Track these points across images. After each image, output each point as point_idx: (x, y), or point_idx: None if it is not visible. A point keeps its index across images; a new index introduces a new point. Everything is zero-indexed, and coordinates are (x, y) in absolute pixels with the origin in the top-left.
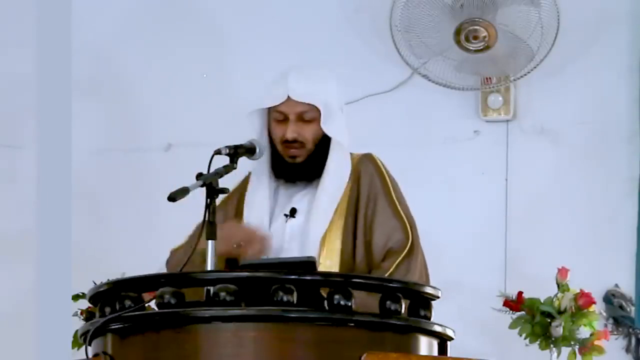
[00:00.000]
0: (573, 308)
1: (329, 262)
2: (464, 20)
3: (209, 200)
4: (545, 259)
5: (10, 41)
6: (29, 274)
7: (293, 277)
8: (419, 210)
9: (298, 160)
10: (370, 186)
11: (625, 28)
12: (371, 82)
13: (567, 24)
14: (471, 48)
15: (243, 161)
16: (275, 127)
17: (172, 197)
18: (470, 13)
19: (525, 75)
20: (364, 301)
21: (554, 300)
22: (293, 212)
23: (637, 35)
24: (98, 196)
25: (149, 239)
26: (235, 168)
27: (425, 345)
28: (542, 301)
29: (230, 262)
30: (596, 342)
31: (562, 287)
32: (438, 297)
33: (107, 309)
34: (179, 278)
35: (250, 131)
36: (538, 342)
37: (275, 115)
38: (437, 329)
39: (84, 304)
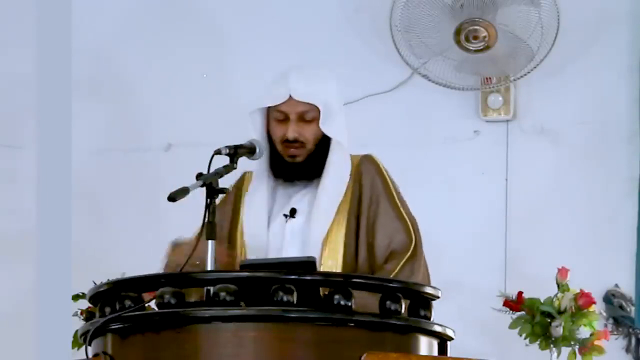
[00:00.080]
0: (573, 308)
1: (331, 262)
2: (464, 20)
3: (209, 200)
4: (545, 259)
5: (10, 41)
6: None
7: (293, 277)
8: (419, 210)
9: (298, 160)
10: (372, 187)
11: (625, 28)
12: (371, 82)
13: (567, 24)
14: (471, 48)
15: (243, 161)
16: (275, 127)
17: (172, 197)
18: (470, 13)
19: (525, 75)
20: (364, 301)
21: (554, 300)
22: (293, 213)
23: (637, 35)
24: (98, 196)
25: (149, 239)
26: (235, 168)
27: (425, 345)
28: (542, 301)
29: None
30: (596, 342)
31: (562, 287)
32: (438, 297)
33: (107, 309)
34: (179, 278)
35: (251, 131)
36: (538, 342)
37: (276, 115)
38: (437, 329)
39: (84, 304)
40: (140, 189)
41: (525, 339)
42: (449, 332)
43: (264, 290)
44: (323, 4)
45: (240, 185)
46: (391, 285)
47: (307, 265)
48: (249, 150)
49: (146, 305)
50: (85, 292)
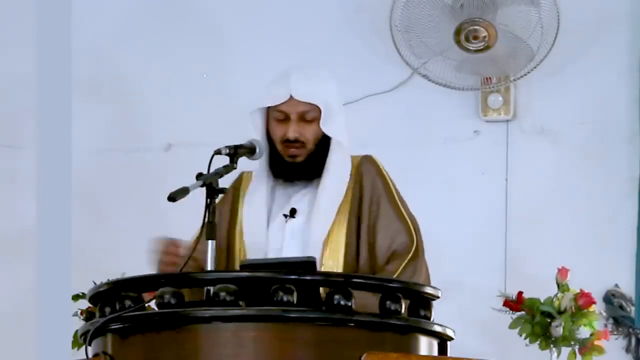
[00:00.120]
0: (573, 308)
1: (332, 263)
2: (464, 20)
3: (209, 200)
4: (545, 259)
5: (10, 41)
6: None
7: (293, 277)
8: (419, 210)
9: (298, 160)
10: (373, 188)
11: (625, 28)
12: (371, 82)
13: (567, 24)
14: (471, 48)
15: (242, 161)
16: (275, 127)
17: (172, 197)
18: (470, 13)
19: (525, 75)
20: (364, 301)
21: (554, 300)
22: (293, 213)
23: (637, 35)
24: (98, 196)
25: (149, 239)
26: (235, 168)
27: (425, 345)
28: (542, 301)
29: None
30: (596, 342)
31: (562, 287)
32: (438, 297)
33: (107, 309)
34: (179, 278)
35: (251, 131)
36: (538, 342)
37: (276, 115)
38: (437, 329)
39: (84, 304)
40: (140, 189)
41: (525, 339)
42: (449, 332)
43: (264, 290)
44: (323, 4)
45: (238, 186)
46: (391, 285)
47: (307, 265)
48: (249, 150)
49: (146, 305)
50: (85, 292)
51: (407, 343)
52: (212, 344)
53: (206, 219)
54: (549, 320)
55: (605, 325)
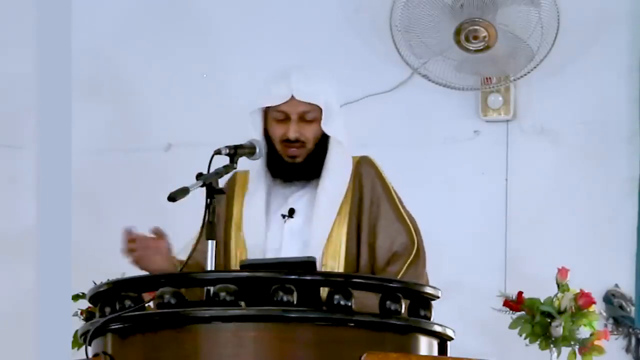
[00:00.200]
0: (573, 308)
1: (332, 263)
2: (464, 20)
3: (209, 200)
4: (545, 259)
5: (10, 41)
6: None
7: (293, 277)
8: (419, 210)
9: (297, 160)
10: (373, 189)
11: (625, 28)
12: (371, 82)
13: (567, 24)
14: (471, 48)
15: (243, 161)
16: (274, 127)
17: (172, 197)
18: (470, 13)
19: (525, 75)
20: (364, 301)
21: (554, 300)
22: (291, 213)
23: (637, 35)
24: (98, 196)
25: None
26: (235, 168)
27: (425, 345)
28: (542, 301)
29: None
30: (596, 342)
31: (562, 287)
32: (438, 297)
33: (107, 309)
34: (179, 278)
35: (251, 130)
36: (538, 342)
37: (276, 115)
38: (437, 329)
39: (84, 304)
40: (140, 189)
41: (525, 339)
42: (449, 332)
43: (264, 290)
44: (323, 4)
45: (232, 185)
46: (391, 285)
47: (307, 265)
48: (249, 150)
49: (146, 305)
50: (85, 292)
51: (407, 343)
52: (212, 344)
53: (206, 219)
54: (549, 320)
55: (605, 325)
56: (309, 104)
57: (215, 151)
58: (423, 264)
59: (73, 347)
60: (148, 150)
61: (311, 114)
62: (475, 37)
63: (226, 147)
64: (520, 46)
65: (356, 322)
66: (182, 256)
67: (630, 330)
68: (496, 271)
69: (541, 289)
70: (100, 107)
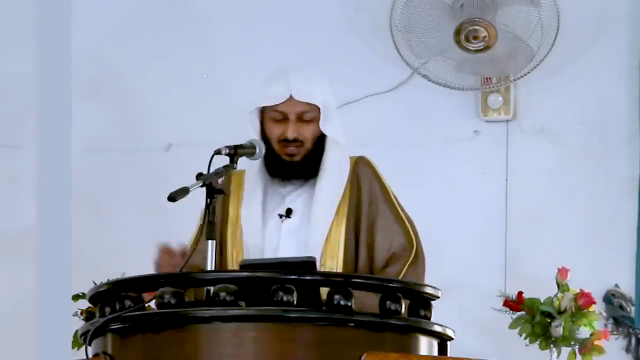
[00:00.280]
0: (573, 308)
1: (330, 263)
2: (464, 20)
3: (209, 200)
4: (545, 259)
5: (10, 41)
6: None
7: (293, 277)
8: (419, 210)
9: (296, 159)
10: (371, 190)
11: (625, 28)
12: (371, 82)
13: (567, 24)
14: (471, 48)
15: (242, 161)
16: (272, 127)
17: (172, 197)
18: (470, 13)
19: (525, 75)
20: (364, 301)
21: (554, 300)
22: (289, 213)
23: (637, 35)
24: (98, 196)
25: (149, 239)
26: (235, 168)
27: (425, 345)
28: (542, 301)
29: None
30: (596, 342)
31: (562, 287)
32: (438, 297)
33: (107, 309)
34: (179, 278)
35: (250, 130)
36: (538, 342)
37: (274, 115)
38: (437, 329)
39: (84, 304)
40: (140, 189)
41: (525, 339)
42: (449, 332)
43: (264, 290)
44: (323, 4)
45: (228, 185)
46: (391, 285)
47: (307, 265)
48: (249, 150)
49: (146, 305)
50: (85, 292)
51: (407, 343)
52: (212, 344)
53: (206, 219)
54: (549, 320)
55: (605, 325)
56: (308, 104)
57: (215, 151)
58: (422, 266)
59: (73, 347)
60: (148, 150)
61: (309, 114)
62: (475, 37)
63: (226, 147)
64: (520, 46)
65: (356, 322)
66: None
67: (630, 330)
68: (496, 271)
69: (541, 289)
70: (100, 107)
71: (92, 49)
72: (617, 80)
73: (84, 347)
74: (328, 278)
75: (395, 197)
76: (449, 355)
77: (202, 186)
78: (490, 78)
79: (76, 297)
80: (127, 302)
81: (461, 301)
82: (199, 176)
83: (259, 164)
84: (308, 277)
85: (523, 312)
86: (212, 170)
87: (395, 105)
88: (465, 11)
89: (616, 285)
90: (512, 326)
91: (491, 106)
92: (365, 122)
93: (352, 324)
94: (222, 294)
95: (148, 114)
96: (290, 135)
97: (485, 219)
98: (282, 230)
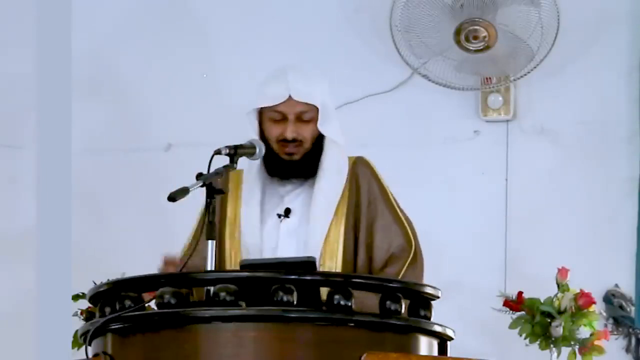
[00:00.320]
0: (573, 308)
1: (329, 263)
2: (464, 20)
3: (209, 200)
4: (545, 259)
5: (10, 41)
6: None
7: (293, 277)
8: (419, 210)
9: (295, 158)
10: (370, 190)
11: (625, 28)
12: (371, 82)
13: (567, 24)
14: (471, 48)
15: (242, 161)
16: (271, 127)
17: (172, 197)
18: (470, 13)
19: (525, 75)
20: (364, 301)
21: (554, 300)
22: (287, 212)
23: (637, 35)
24: (98, 196)
25: (149, 239)
26: (235, 168)
27: (425, 345)
28: (542, 301)
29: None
30: (596, 342)
31: (562, 287)
32: (438, 297)
33: (107, 309)
34: (179, 278)
35: (250, 130)
36: (538, 342)
37: (272, 115)
38: (437, 329)
39: (84, 304)
40: (140, 189)
41: (525, 339)
42: (449, 332)
43: (264, 290)
44: (323, 4)
45: (225, 185)
46: (391, 285)
47: (307, 265)
48: (249, 150)
49: (146, 305)
50: (85, 292)
51: (407, 343)
52: (212, 344)
53: (206, 219)
54: (549, 320)
55: (605, 325)
56: (306, 104)
57: (215, 151)
58: (421, 267)
59: (73, 347)
60: (148, 150)
61: (308, 114)
62: (475, 37)
63: (226, 147)
64: (520, 46)
65: (356, 322)
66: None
67: (630, 330)
68: (496, 271)
69: (541, 289)
70: (100, 107)
71: (92, 49)
72: (617, 80)
73: (84, 347)
74: (328, 278)
75: (394, 197)
76: (449, 355)
77: (202, 186)
78: (490, 78)
79: (76, 297)
80: (127, 302)
81: (461, 301)
82: (199, 176)
83: (257, 163)
84: (308, 277)
85: (523, 312)
86: (212, 170)
87: (395, 105)
88: (465, 11)
89: (616, 285)
90: (512, 326)
91: (491, 106)
92: (365, 122)
93: (352, 324)
94: (222, 294)
95: (148, 114)
96: (290, 135)
97: (485, 219)
98: (281, 230)
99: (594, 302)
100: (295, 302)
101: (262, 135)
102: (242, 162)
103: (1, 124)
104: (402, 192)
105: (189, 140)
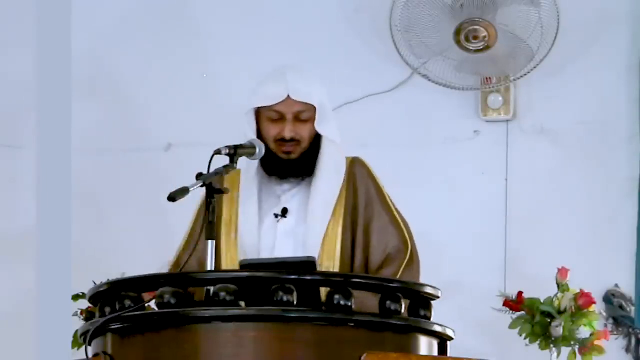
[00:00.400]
0: (573, 308)
1: (328, 263)
2: (464, 20)
3: (209, 200)
4: (545, 259)
5: (10, 41)
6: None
7: (293, 277)
8: (419, 210)
9: (293, 157)
10: (367, 191)
11: (625, 28)
12: (371, 82)
13: (567, 24)
14: (471, 48)
15: (241, 161)
16: (268, 126)
17: (172, 197)
18: (470, 13)
19: (525, 75)
20: (364, 301)
21: (554, 300)
22: (284, 212)
23: (637, 35)
24: (98, 196)
25: (149, 239)
26: (235, 168)
27: (425, 345)
28: (542, 301)
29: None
30: (596, 342)
31: (562, 287)
32: (438, 297)
33: (107, 309)
34: (179, 278)
35: (248, 130)
36: (538, 342)
37: (270, 115)
38: (437, 329)
39: (84, 304)
40: (140, 189)
41: (525, 339)
42: (449, 332)
43: (264, 290)
44: (323, 4)
45: (221, 184)
46: (391, 285)
47: (307, 265)
48: (249, 151)
49: (146, 305)
50: (85, 292)
51: (407, 343)
52: (212, 344)
53: (206, 219)
54: (549, 320)
55: (605, 325)
56: (305, 103)
57: (215, 151)
58: (417, 268)
59: (73, 347)
60: (148, 150)
61: (306, 114)
62: (475, 37)
63: (226, 147)
64: (520, 46)
65: (356, 322)
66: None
67: (630, 330)
68: (496, 271)
69: (541, 289)
70: (100, 107)
71: (92, 49)
72: (617, 80)
73: (84, 347)
74: (328, 278)
75: (390, 198)
76: (449, 355)
77: (202, 186)
78: (490, 78)
79: (76, 297)
80: (127, 302)
81: (461, 301)
82: (199, 176)
83: (254, 163)
84: (308, 277)
85: (523, 312)
86: (212, 170)
87: (395, 105)
88: (465, 11)
89: (616, 285)
90: (512, 326)
91: (491, 106)
92: (365, 122)
93: (352, 324)
94: (222, 294)
95: (148, 114)
96: (288, 134)
97: (485, 219)
98: (278, 230)
99: (594, 302)
100: (295, 302)
101: (260, 135)
102: (241, 163)
103: (1, 124)
104: (402, 192)
105: (189, 140)
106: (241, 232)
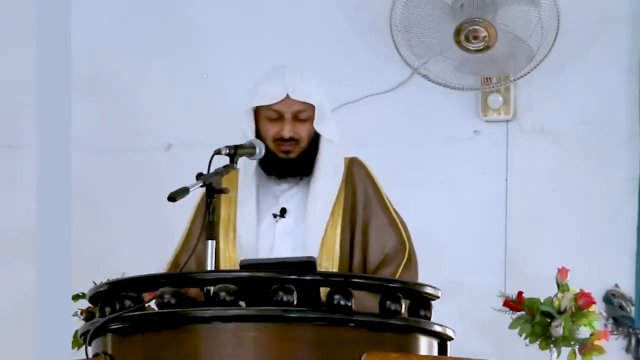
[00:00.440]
0: (573, 308)
1: (326, 264)
2: (464, 20)
3: (209, 200)
4: (545, 259)
5: (10, 41)
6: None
7: (293, 277)
8: (419, 211)
9: (292, 156)
10: (365, 192)
11: (625, 28)
12: (371, 82)
13: (567, 24)
14: (471, 48)
15: (241, 161)
16: (267, 126)
17: (172, 197)
18: (470, 13)
19: (525, 75)
20: (363, 302)
21: (554, 300)
22: (283, 212)
23: (637, 35)
24: (98, 196)
25: (149, 239)
26: (235, 168)
27: (425, 345)
28: (542, 301)
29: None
30: (596, 342)
31: (562, 287)
32: (438, 297)
33: (107, 309)
34: (179, 278)
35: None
36: (538, 342)
37: (269, 114)
38: (437, 329)
39: (84, 304)
40: (140, 189)
41: (525, 339)
42: (449, 332)
43: (264, 290)
44: (323, 4)
45: (219, 184)
46: (391, 285)
47: (307, 265)
48: (249, 151)
49: (146, 305)
50: (85, 292)
51: (407, 343)
52: (212, 344)
53: (206, 219)
54: (549, 320)
55: (605, 325)
56: (303, 102)
57: (215, 151)
58: (415, 268)
59: (73, 347)
60: (148, 150)
61: (305, 113)
62: (475, 37)
63: (226, 147)
64: (520, 46)
65: (356, 322)
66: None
67: (630, 330)
68: (496, 271)
69: (541, 289)
70: (100, 107)
71: (92, 49)
72: (617, 80)
73: (84, 347)
74: (328, 278)
75: (388, 199)
76: (449, 355)
77: (202, 186)
78: (490, 78)
79: (76, 297)
80: (127, 302)
81: (461, 301)
82: (199, 176)
83: (252, 163)
84: (308, 277)
85: (523, 312)
86: (212, 170)
87: (395, 105)
88: (465, 11)
89: (616, 285)
90: (512, 326)
91: (491, 106)
92: (365, 122)
93: (352, 324)
94: (222, 294)
95: (148, 114)
96: (287, 134)
97: (485, 219)
98: (277, 230)
99: (594, 302)
100: (295, 302)
101: (258, 134)
102: (239, 162)
103: (1, 124)
104: (402, 192)
105: (189, 140)
106: (239, 232)
